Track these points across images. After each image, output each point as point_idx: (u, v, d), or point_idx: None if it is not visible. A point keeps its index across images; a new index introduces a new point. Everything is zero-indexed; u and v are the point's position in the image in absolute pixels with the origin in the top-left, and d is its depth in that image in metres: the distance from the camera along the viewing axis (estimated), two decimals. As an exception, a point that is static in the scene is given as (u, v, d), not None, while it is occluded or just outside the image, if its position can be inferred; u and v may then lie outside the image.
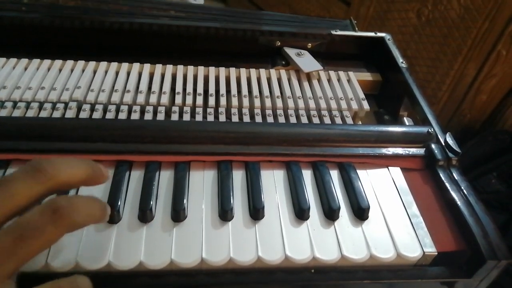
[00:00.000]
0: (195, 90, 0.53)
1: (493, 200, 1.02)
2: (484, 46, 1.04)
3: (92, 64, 0.54)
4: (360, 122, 0.54)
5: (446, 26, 1.09)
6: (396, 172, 0.46)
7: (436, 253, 0.38)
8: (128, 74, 0.54)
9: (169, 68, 0.55)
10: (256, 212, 0.39)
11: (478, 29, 1.03)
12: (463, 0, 1.04)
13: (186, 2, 0.77)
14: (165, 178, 0.41)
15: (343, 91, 0.56)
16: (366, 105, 0.53)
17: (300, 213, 0.39)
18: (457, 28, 1.07)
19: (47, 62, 0.53)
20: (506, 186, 1.03)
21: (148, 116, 0.48)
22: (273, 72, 0.57)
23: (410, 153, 0.47)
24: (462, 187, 0.43)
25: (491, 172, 1.05)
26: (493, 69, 1.06)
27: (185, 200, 0.39)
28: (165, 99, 0.50)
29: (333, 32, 0.62)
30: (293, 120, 0.51)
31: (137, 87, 0.52)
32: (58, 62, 0.54)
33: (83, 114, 0.47)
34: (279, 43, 0.61)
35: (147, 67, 0.55)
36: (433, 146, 0.47)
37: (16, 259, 0.25)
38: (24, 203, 0.27)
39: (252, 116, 0.51)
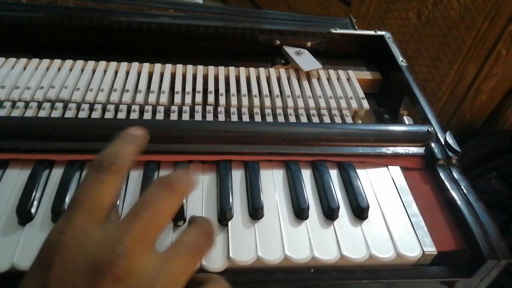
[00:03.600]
0: (194, 89, 0.52)
1: (493, 200, 1.02)
2: (484, 46, 1.04)
3: (91, 63, 0.54)
4: (359, 121, 0.54)
5: (446, 25, 1.09)
6: (395, 171, 0.46)
7: (436, 253, 0.38)
8: (127, 73, 0.54)
9: (168, 67, 0.55)
10: (255, 211, 0.39)
11: (478, 29, 1.03)
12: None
13: (185, 0, 0.77)
14: (164, 178, 0.41)
15: (343, 90, 0.56)
16: (365, 104, 0.53)
17: (299, 212, 0.39)
18: (457, 27, 1.07)
19: (46, 61, 0.53)
20: (506, 186, 1.03)
21: (147, 116, 0.48)
22: (272, 71, 0.57)
23: (410, 152, 0.47)
24: (462, 187, 0.43)
25: (491, 172, 1.05)
26: (493, 69, 1.06)
27: (184, 200, 0.39)
28: (164, 99, 0.50)
29: (333, 31, 0.62)
30: (292, 119, 0.51)
31: (136, 87, 0.52)
32: (57, 62, 0.54)
33: (82, 114, 0.47)
34: (279, 42, 0.61)
35: (146, 66, 0.55)
36: (433, 145, 0.46)
37: (190, 272, 0.28)
38: (169, 219, 0.29)
39: (251, 116, 0.51)
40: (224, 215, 0.38)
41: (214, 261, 0.35)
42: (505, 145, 1.06)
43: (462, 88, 1.12)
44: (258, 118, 0.50)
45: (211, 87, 0.53)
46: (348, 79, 0.58)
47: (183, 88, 0.52)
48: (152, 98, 0.50)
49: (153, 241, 0.27)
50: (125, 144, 0.32)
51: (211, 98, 0.51)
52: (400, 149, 0.47)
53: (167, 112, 0.49)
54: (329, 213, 0.39)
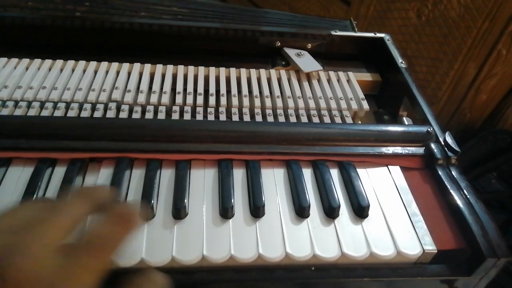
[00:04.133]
0: (195, 90, 0.53)
1: (493, 200, 1.02)
2: (484, 46, 1.04)
3: (93, 64, 0.54)
4: (359, 122, 0.54)
5: (446, 25, 1.09)
6: (395, 171, 0.46)
7: (436, 251, 0.38)
8: (129, 74, 0.54)
9: (170, 68, 0.55)
10: (256, 210, 0.39)
11: (478, 29, 1.03)
12: None
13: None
14: (166, 177, 0.42)
15: (343, 91, 0.56)
16: (365, 105, 0.54)
17: (300, 211, 0.40)
18: (457, 27, 1.07)
19: (48, 62, 0.54)
20: (506, 186, 1.03)
21: (149, 116, 0.48)
22: (273, 72, 0.58)
23: (410, 152, 0.47)
24: (462, 186, 0.43)
25: (491, 172, 1.05)
26: (493, 69, 1.06)
27: (186, 198, 0.39)
28: (166, 99, 0.51)
29: (333, 33, 0.62)
30: (293, 119, 0.51)
31: (138, 87, 0.52)
32: (59, 62, 0.54)
33: (84, 114, 0.47)
34: (279, 44, 0.62)
35: (147, 67, 0.55)
36: (432, 145, 0.47)
37: (97, 270, 0.26)
38: (78, 221, 0.28)
39: (252, 116, 0.51)
40: (225, 213, 0.38)
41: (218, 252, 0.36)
42: (505, 145, 1.06)
43: (462, 88, 1.12)
44: (259, 119, 0.50)
45: (212, 88, 0.53)
46: (348, 81, 0.58)
47: (185, 89, 0.53)
48: (154, 98, 0.50)
49: (55, 240, 0.26)
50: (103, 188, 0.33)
51: (212, 98, 0.52)
52: (400, 149, 0.47)
53: (168, 112, 0.50)
54: (330, 212, 0.40)
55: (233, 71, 0.57)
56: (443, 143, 0.47)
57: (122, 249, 0.30)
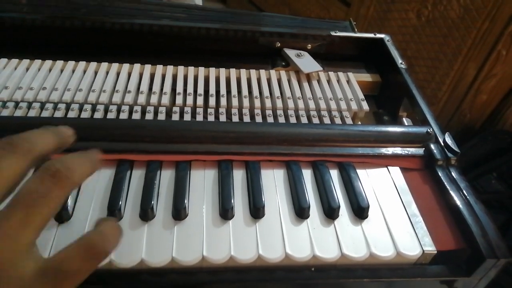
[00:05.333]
0: (195, 90, 0.53)
1: (493, 200, 1.02)
2: (484, 46, 1.04)
3: (93, 65, 0.54)
4: (359, 123, 0.54)
5: (446, 26, 1.10)
6: (395, 171, 0.46)
7: (436, 252, 0.39)
8: (129, 74, 0.54)
9: (170, 69, 0.55)
10: (256, 210, 0.39)
11: (478, 29, 1.03)
12: (462, 0, 1.04)
13: (185, 2, 0.77)
14: (166, 177, 0.42)
15: (343, 92, 0.56)
16: (365, 106, 0.54)
17: (300, 211, 0.40)
18: (457, 28, 1.07)
19: (48, 63, 0.54)
20: (506, 186, 1.03)
21: (149, 116, 0.48)
22: (273, 73, 0.58)
23: (409, 153, 0.47)
24: (461, 187, 0.43)
25: (491, 172, 1.05)
26: (493, 69, 1.06)
27: (186, 198, 0.39)
28: (166, 100, 0.51)
29: (333, 33, 0.62)
30: (293, 120, 0.51)
31: (138, 88, 0.52)
32: (59, 63, 0.54)
33: (85, 114, 0.47)
34: (279, 44, 0.62)
35: (148, 68, 0.55)
36: (432, 146, 0.47)
37: (31, 229, 0.25)
38: (11, 179, 0.27)
39: (252, 117, 0.51)
40: (225, 214, 0.38)
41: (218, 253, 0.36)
42: (505, 145, 1.06)
43: (462, 88, 1.12)
44: (259, 119, 0.51)
45: (212, 88, 0.54)
46: (348, 81, 0.58)
47: (185, 90, 0.53)
48: (154, 99, 0.50)
49: (31, 237, 0.25)
50: (45, 133, 0.30)
51: (212, 99, 0.52)
52: (400, 150, 0.47)
53: (168, 113, 0.50)
54: (330, 213, 0.40)
55: (233, 71, 0.57)
56: (442, 144, 0.47)
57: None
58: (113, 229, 0.29)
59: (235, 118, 0.50)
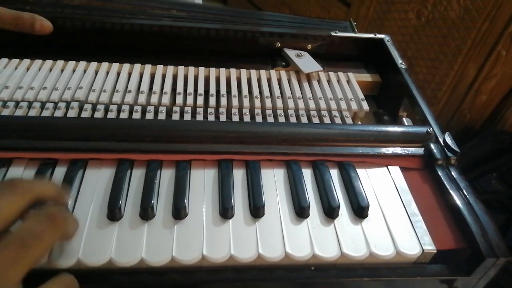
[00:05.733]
0: (196, 90, 0.53)
1: (493, 200, 1.02)
2: (484, 47, 1.04)
3: (93, 64, 0.55)
4: (359, 123, 0.54)
5: (446, 26, 1.10)
6: (395, 171, 0.46)
7: (435, 251, 0.39)
8: (130, 74, 0.54)
9: (170, 68, 0.55)
10: (256, 210, 0.39)
11: (478, 30, 1.04)
12: (462, 0, 1.05)
13: (185, 1, 0.77)
14: (166, 177, 0.42)
15: (343, 92, 0.56)
16: (365, 106, 0.54)
17: (300, 211, 0.40)
18: (457, 28, 1.07)
19: (49, 62, 0.54)
20: (506, 186, 1.03)
21: (150, 116, 0.48)
22: (273, 73, 0.58)
23: (409, 152, 0.47)
24: (461, 186, 0.43)
25: (491, 173, 1.05)
26: (493, 70, 1.06)
27: (186, 198, 0.39)
28: (166, 99, 0.51)
29: (333, 34, 0.62)
30: (293, 120, 0.51)
31: (139, 88, 0.52)
32: (59, 63, 0.54)
33: (85, 114, 0.47)
34: (279, 44, 0.62)
35: (148, 67, 0.55)
36: (432, 145, 0.47)
37: (21, 268, 0.26)
38: (8, 216, 0.28)
39: (252, 116, 0.51)
40: (226, 213, 0.38)
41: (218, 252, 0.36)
42: (505, 146, 1.06)
43: (462, 89, 1.12)
44: (259, 119, 0.51)
45: (212, 88, 0.54)
46: (348, 81, 0.58)
47: (185, 89, 0.53)
48: (154, 99, 0.50)
49: (19, 276, 0.26)
50: (45, 181, 0.34)
51: (212, 99, 0.52)
52: (400, 150, 0.47)
53: (169, 113, 0.50)
54: (330, 212, 0.40)
55: (233, 71, 0.57)
56: (442, 144, 0.47)
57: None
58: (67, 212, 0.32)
59: (235, 118, 0.50)
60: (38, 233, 0.28)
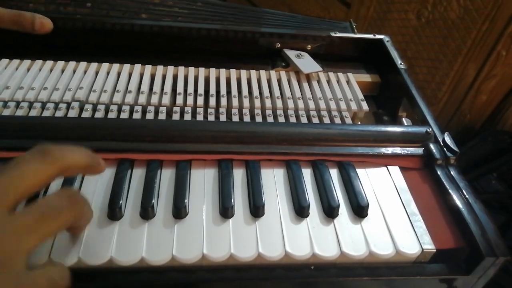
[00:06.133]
0: (196, 90, 0.53)
1: (493, 201, 1.02)
2: (484, 47, 1.04)
3: (94, 65, 0.55)
4: (359, 123, 0.55)
5: (446, 27, 1.10)
6: (395, 171, 0.46)
7: (435, 250, 0.39)
8: (130, 75, 0.54)
9: (170, 69, 0.56)
10: (256, 209, 0.39)
11: (478, 30, 1.04)
12: (462, 1, 1.05)
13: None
14: (166, 176, 0.42)
15: (342, 92, 0.56)
16: (365, 106, 0.54)
17: (300, 210, 0.40)
18: (457, 29, 1.07)
19: (49, 63, 0.54)
20: (506, 186, 1.03)
21: (150, 116, 0.48)
22: (273, 73, 0.58)
23: (409, 152, 0.47)
24: (461, 186, 0.43)
25: (491, 173, 1.05)
26: (493, 70, 1.06)
27: (186, 197, 0.39)
28: (166, 100, 0.51)
29: (332, 34, 0.63)
30: (293, 120, 0.51)
31: (139, 88, 0.52)
32: (60, 63, 0.54)
33: (85, 114, 0.47)
34: (279, 45, 0.62)
35: (148, 68, 0.55)
36: (431, 145, 0.47)
37: (37, 236, 0.27)
38: (35, 183, 0.29)
39: (252, 117, 0.51)
40: (226, 213, 0.39)
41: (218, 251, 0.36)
42: (505, 146, 1.06)
43: (462, 89, 1.12)
44: (259, 119, 0.51)
45: (212, 88, 0.54)
46: (348, 82, 0.59)
47: (185, 90, 0.53)
48: (154, 99, 0.50)
49: (33, 244, 0.27)
50: (79, 151, 0.32)
51: (212, 99, 0.52)
52: (399, 150, 0.47)
53: (169, 113, 0.50)
54: (330, 211, 0.40)
55: (233, 72, 0.57)
56: (442, 144, 0.47)
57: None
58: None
59: (235, 118, 0.50)
60: (58, 208, 0.28)
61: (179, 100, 0.51)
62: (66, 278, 0.30)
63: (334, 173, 0.45)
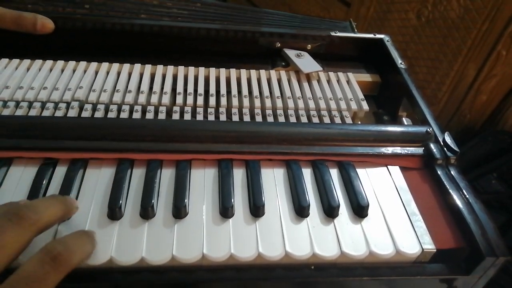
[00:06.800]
0: (196, 90, 0.53)
1: (493, 201, 1.02)
2: (484, 47, 1.04)
3: (94, 64, 0.55)
4: (359, 122, 0.54)
5: (446, 26, 1.10)
6: (395, 171, 0.46)
7: (435, 250, 0.39)
8: (130, 74, 0.54)
9: (170, 69, 0.56)
10: (256, 209, 0.39)
11: (478, 30, 1.04)
12: (462, 0, 1.05)
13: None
14: (166, 176, 0.42)
15: (343, 92, 0.56)
16: (365, 106, 0.54)
17: (300, 210, 0.40)
18: (457, 28, 1.07)
19: (49, 63, 0.54)
20: (506, 186, 1.03)
21: (150, 116, 0.48)
22: (273, 73, 0.58)
23: (409, 152, 0.47)
24: (461, 186, 0.43)
25: (491, 173, 1.05)
26: (493, 70, 1.06)
27: (186, 197, 0.39)
28: (166, 99, 0.51)
29: (333, 34, 0.63)
30: (293, 120, 0.51)
31: (139, 88, 0.52)
32: (60, 63, 0.54)
33: (85, 114, 0.47)
34: (279, 45, 0.62)
35: (148, 68, 0.55)
36: (431, 145, 0.47)
37: None
38: (15, 252, 0.28)
39: (252, 116, 0.51)
40: (226, 212, 0.39)
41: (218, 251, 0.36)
42: (505, 146, 1.06)
43: (462, 89, 1.12)
44: (259, 119, 0.51)
45: (212, 88, 0.54)
46: (348, 81, 0.58)
47: (185, 89, 0.53)
48: (154, 98, 0.50)
49: None
50: (52, 204, 0.31)
51: (212, 99, 0.52)
52: (399, 149, 0.47)
53: (169, 113, 0.50)
54: (330, 211, 0.40)
55: (233, 72, 0.57)
56: (442, 143, 0.47)
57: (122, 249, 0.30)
58: (79, 240, 0.30)
59: (235, 118, 0.50)
60: (41, 276, 0.27)
61: (179, 99, 0.51)
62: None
63: (334, 173, 0.45)
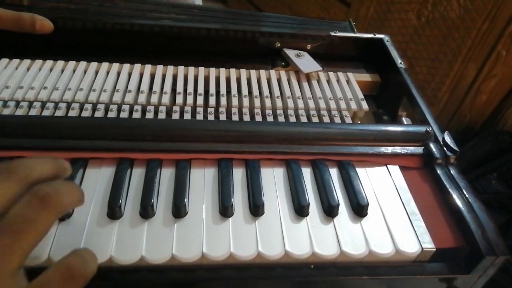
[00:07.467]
0: (195, 90, 0.53)
1: (493, 201, 1.02)
2: (484, 47, 1.04)
3: (94, 65, 0.55)
4: (359, 122, 0.55)
5: (446, 26, 1.10)
6: (394, 170, 0.46)
7: (435, 249, 0.39)
8: (130, 74, 0.54)
9: (170, 68, 0.56)
10: (256, 208, 0.39)
11: (478, 30, 1.04)
12: (462, 0, 1.05)
13: (186, 2, 0.77)
14: (166, 176, 0.42)
15: (342, 92, 0.56)
16: (365, 105, 0.54)
17: (300, 209, 0.40)
18: (457, 28, 1.08)
19: (49, 63, 0.54)
20: (506, 186, 1.03)
21: (150, 116, 0.48)
22: (273, 72, 0.58)
23: (409, 151, 0.47)
24: (460, 185, 0.43)
25: (491, 173, 1.05)
26: (493, 70, 1.06)
27: (186, 196, 0.39)
28: (166, 99, 0.51)
29: (332, 34, 0.63)
30: (292, 119, 0.51)
31: (139, 87, 0.52)
32: (60, 63, 0.54)
33: (85, 114, 0.47)
34: (279, 44, 0.62)
35: (148, 67, 0.55)
36: (431, 145, 0.47)
37: (17, 254, 0.26)
38: (4, 203, 0.27)
39: (252, 116, 0.51)
40: (225, 212, 0.39)
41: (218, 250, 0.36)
42: (505, 146, 1.06)
43: (462, 89, 1.13)
44: (259, 119, 0.51)
45: (212, 88, 0.54)
46: (348, 81, 0.59)
47: (185, 89, 0.53)
48: (154, 98, 0.50)
49: (16, 263, 0.26)
50: (43, 162, 0.31)
51: (212, 98, 0.52)
52: (399, 149, 0.47)
53: (169, 113, 0.50)
54: (329, 210, 0.40)
55: (233, 71, 0.57)
56: (442, 143, 0.47)
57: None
58: (67, 184, 0.30)
59: (235, 118, 0.50)
60: (31, 218, 0.27)
61: (179, 99, 0.51)
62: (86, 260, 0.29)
63: (334, 172, 0.45)
